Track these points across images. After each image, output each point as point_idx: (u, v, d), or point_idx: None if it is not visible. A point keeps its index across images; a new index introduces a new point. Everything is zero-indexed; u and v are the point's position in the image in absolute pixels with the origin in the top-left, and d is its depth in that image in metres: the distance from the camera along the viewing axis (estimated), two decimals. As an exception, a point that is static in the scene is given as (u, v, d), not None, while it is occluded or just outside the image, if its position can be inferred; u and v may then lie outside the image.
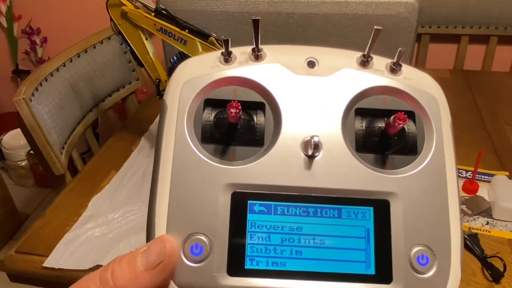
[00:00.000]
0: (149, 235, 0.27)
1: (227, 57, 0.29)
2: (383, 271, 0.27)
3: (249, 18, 1.11)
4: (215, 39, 0.84)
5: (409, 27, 1.04)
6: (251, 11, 1.10)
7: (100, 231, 0.82)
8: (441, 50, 1.70)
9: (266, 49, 0.30)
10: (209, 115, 0.29)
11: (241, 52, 0.30)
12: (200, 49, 0.84)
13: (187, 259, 0.26)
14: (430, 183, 0.28)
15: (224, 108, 0.28)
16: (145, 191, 0.92)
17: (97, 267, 0.74)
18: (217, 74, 0.29)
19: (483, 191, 0.88)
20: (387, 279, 0.27)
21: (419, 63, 1.66)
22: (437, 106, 0.29)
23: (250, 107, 0.29)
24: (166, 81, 0.92)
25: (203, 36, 0.85)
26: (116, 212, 0.86)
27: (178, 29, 0.84)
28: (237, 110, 0.26)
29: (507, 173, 0.93)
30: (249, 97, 0.29)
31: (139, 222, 0.84)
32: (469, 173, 0.92)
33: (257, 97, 0.29)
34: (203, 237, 0.26)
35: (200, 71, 0.29)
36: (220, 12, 1.10)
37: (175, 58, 0.88)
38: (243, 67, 0.29)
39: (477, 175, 0.90)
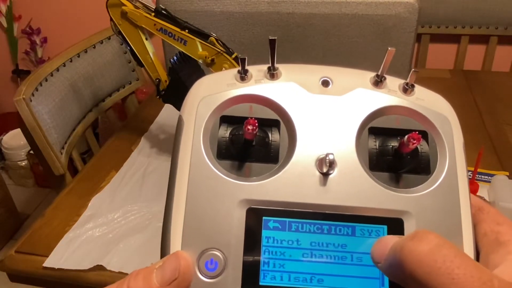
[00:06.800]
0: (164, 251, 0.27)
1: (243, 75, 0.30)
2: None
3: (249, 18, 1.11)
4: (215, 39, 0.84)
5: (409, 27, 1.04)
6: (251, 11, 1.10)
7: (100, 231, 0.82)
8: (441, 50, 1.70)
9: (281, 67, 0.30)
10: (225, 131, 0.29)
11: (257, 70, 0.30)
12: (200, 49, 0.84)
13: (202, 275, 0.26)
14: (443, 202, 0.28)
15: (239, 125, 0.28)
16: (145, 191, 0.92)
17: (97, 267, 0.74)
18: (233, 92, 0.29)
19: (483, 191, 0.88)
20: None
21: (419, 63, 1.66)
22: (449, 126, 0.29)
23: (265, 124, 0.29)
24: (166, 81, 0.92)
25: (203, 36, 0.85)
26: (116, 212, 0.86)
27: (178, 29, 0.84)
28: (254, 127, 0.27)
29: (507, 173, 0.93)
30: (264, 115, 0.29)
31: (139, 222, 0.84)
32: (469, 173, 0.92)
33: (272, 115, 0.29)
34: (218, 253, 0.26)
35: (216, 88, 0.30)
36: (220, 12, 1.10)
37: (175, 58, 0.88)
38: (259, 85, 0.30)
39: (477, 175, 0.90)
